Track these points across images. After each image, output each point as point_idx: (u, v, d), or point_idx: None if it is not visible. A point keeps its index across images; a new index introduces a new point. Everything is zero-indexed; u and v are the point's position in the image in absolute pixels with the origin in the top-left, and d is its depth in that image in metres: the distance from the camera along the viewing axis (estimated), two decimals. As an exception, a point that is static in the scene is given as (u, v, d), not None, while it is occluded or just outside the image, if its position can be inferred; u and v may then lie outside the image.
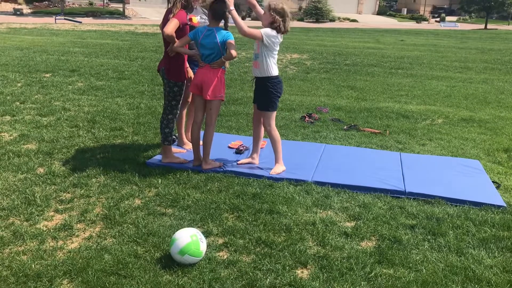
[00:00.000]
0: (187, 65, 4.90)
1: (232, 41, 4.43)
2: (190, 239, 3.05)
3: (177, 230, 3.24)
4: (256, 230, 3.55)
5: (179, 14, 4.45)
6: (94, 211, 3.78)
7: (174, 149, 5.28)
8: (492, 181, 4.65)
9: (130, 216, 3.72)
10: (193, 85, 4.63)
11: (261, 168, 4.76)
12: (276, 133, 4.71)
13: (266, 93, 4.58)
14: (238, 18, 4.40)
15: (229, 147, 5.37)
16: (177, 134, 5.70)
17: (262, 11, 4.61)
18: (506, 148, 5.91)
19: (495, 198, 4.25)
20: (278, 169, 4.70)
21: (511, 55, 18.01)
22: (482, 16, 51.61)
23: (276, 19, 4.43)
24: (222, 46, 4.42)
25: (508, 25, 51.63)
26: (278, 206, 3.96)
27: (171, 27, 4.36)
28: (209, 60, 4.49)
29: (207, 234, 3.46)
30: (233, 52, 4.40)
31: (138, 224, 3.57)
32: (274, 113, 4.72)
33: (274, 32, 4.46)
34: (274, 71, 4.58)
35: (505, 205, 4.13)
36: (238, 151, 5.20)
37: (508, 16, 57.13)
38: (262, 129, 4.86)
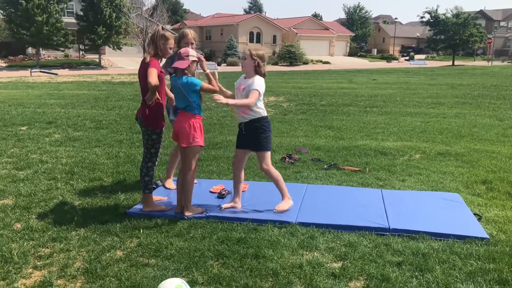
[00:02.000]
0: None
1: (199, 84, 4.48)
2: (175, 290, 2.97)
3: (161, 281, 3.16)
4: (242, 276, 3.47)
5: (154, 63, 4.51)
6: (75, 266, 3.66)
7: (155, 197, 5.22)
8: (474, 214, 4.70)
9: (112, 268, 3.61)
10: (174, 133, 4.68)
11: (245, 212, 4.72)
12: (275, 171, 4.77)
13: (261, 134, 4.62)
14: (239, 101, 4.51)
15: (211, 192, 5.33)
16: (158, 181, 5.67)
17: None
18: (483, 180, 6.01)
19: (478, 230, 4.28)
20: (286, 205, 4.71)
21: (480, 89, 18.65)
22: (449, 53, 53.69)
23: (259, 63, 4.53)
24: (189, 94, 4.45)
25: (474, 61, 53.74)
26: (263, 250, 3.90)
27: (155, 76, 4.40)
28: (183, 107, 4.57)
29: (192, 283, 3.37)
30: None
31: (121, 277, 3.46)
32: (269, 153, 4.75)
33: (262, 80, 4.57)
34: (264, 112, 4.65)
35: (488, 237, 4.16)
36: (221, 196, 5.16)
37: (473, 52, 59.54)
38: (243, 172, 4.86)
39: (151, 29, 33.90)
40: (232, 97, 4.81)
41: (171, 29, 48.35)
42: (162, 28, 4.71)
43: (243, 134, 4.76)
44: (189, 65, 4.49)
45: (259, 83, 4.57)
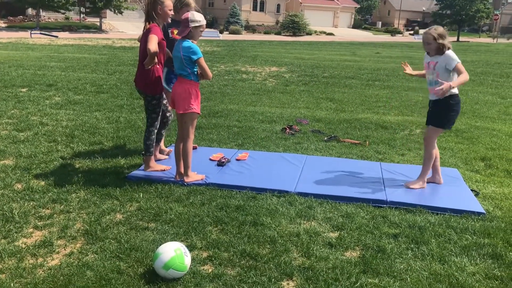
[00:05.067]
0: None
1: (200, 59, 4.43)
2: (174, 253, 3.01)
3: (160, 245, 3.20)
4: (240, 242, 3.52)
5: (155, 30, 4.47)
6: (75, 227, 3.71)
7: (159, 155, 5.27)
8: (471, 189, 4.73)
9: (112, 231, 3.65)
10: (171, 100, 4.66)
11: (244, 180, 4.73)
12: (434, 149, 4.73)
13: (446, 111, 4.57)
14: (459, 81, 4.37)
15: (211, 160, 5.34)
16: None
17: None
18: (482, 157, 6.03)
19: (475, 205, 4.32)
20: (417, 185, 4.72)
21: (483, 66, 18.51)
22: (454, 29, 53.06)
23: (444, 45, 4.47)
24: (186, 60, 4.41)
25: (479, 37, 53.12)
26: (262, 218, 3.94)
27: (154, 43, 4.36)
28: (179, 73, 4.54)
29: (191, 247, 3.42)
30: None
31: (120, 239, 3.51)
32: (442, 131, 4.75)
33: (453, 52, 4.51)
34: (456, 89, 4.54)
35: (484, 212, 4.20)
36: (220, 163, 5.17)
37: (479, 29, 58.80)
38: (435, 149, 4.81)
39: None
40: None
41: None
42: None
43: (430, 110, 4.73)
44: (190, 31, 4.40)
45: (454, 55, 4.45)
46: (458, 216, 4.14)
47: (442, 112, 4.60)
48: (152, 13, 4.59)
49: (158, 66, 4.70)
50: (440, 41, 4.44)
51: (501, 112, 9.18)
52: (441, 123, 4.64)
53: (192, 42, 4.46)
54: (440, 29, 4.53)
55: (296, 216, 4.05)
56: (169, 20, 4.83)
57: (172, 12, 4.78)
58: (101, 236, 3.56)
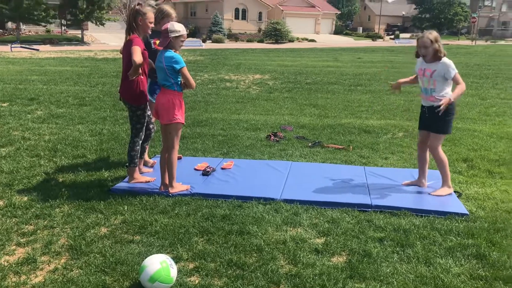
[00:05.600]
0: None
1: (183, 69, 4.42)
2: (160, 266, 2.99)
3: (146, 257, 3.17)
4: (227, 252, 3.51)
5: (137, 41, 4.48)
6: (59, 242, 3.66)
7: (143, 168, 5.25)
8: (454, 191, 4.79)
9: (97, 245, 3.61)
10: (154, 111, 4.65)
11: (230, 188, 4.73)
12: (443, 155, 4.73)
13: (444, 116, 4.59)
14: (457, 93, 4.49)
15: (196, 169, 5.33)
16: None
17: None
18: (465, 158, 6.11)
19: (458, 206, 4.37)
20: (444, 192, 4.67)
21: (463, 68, 18.80)
22: (434, 32, 53.78)
23: (439, 48, 4.54)
24: (169, 70, 4.40)
25: (458, 40, 53.97)
26: (248, 226, 3.94)
27: (139, 55, 4.36)
28: (162, 83, 4.51)
29: (177, 259, 3.40)
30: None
31: (105, 253, 3.47)
32: (444, 136, 4.80)
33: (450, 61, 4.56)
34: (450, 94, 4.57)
35: (468, 213, 4.25)
36: (205, 173, 5.16)
37: (458, 31, 59.79)
38: (427, 153, 4.87)
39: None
40: None
41: (155, 4, 47.48)
42: (138, 4, 4.66)
43: (426, 116, 4.74)
44: (171, 41, 4.40)
45: (451, 64, 4.49)
46: (442, 217, 4.18)
47: (441, 118, 4.61)
48: (133, 24, 4.61)
49: (142, 77, 4.70)
50: (436, 44, 4.48)
51: (482, 113, 9.32)
52: (442, 130, 4.67)
53: (174, 52, 4.46)
54: (434, 33, 4.59)
55: (282, 223, 4.05)
56: (150, 32, 4.84)
57: (152, 24, 4.79)
58: (85, 251, 3.52)
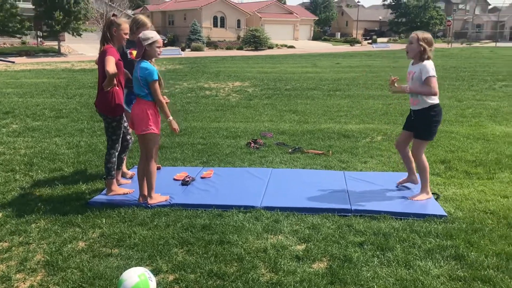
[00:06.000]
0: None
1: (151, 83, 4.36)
2: (138, 279, 2.94)
3: (124, 271, 3.12)
4: (207, 262, 3.48)
5: (111, 51, 4.45)
6: (35, 259, 3.58)
7: (121, 180, 5.19)
8: (432, 193, 4.83)
9: (74, 260, 3.54)
10: (130, 121, 4.60)
11: (210, 198, 4.70)
12: (425, 161, 4.70)
13: (428, 122, 4.59)
14: (421, 90, 4.45)
15: (175, 179, 5.28)
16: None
17: None
18: (442, 160, 6.19)
19: (437, 208, 4.42)
20: (422, 197, 4.66)
21: (440, 71, 19.06)
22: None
23: (425, 49, 4.49)
24: (142, 81, 4.35)
25: (435, 43, 54.83)
26: (228, 235, 3.91)
27: (112, 65, 4.33)
28: (137, 93, 4.47)
29: (156, 271, 3.35)
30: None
31: (83, 268, 3.41)
32: (427, 142, 4.78)
33: (432, 64, 4.53)
34: (436, 99, 4.56)
35: (446, 214, 4.30)
36: (184, 183, 5.12)
37: (434, 35, 60.82)
38: (408, 149, 4.89)
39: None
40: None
41: (132, 14, 47.23)
42: (113, 15, 4.65)
43: (412, 119, 4.74)
44: (146, 50, 4.36)
45: (430, 67, 4.46)
46: (421, 220, 4.21)
47: (425, 124, 4.62)
48: (107, 34, 4.58)
49: (117, 88, 4.65)
50: (423, 43, 4.47)
51: (458, 115, 9.47)
52: (425, 136, 4.67)
53: (150, 62, 4.41)
54: (427, 34, 4.59)
55: (263, 231, 4.03)
56: (124, 43, 4.81)
57: (127, 36, 4.77)
58: (62, 266, 3.45)
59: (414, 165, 4.94)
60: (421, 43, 4.48)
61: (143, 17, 5.29)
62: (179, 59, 28.69)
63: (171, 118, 4.45)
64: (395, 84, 4.69)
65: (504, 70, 19.55)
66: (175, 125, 4.50)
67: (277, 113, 9.85)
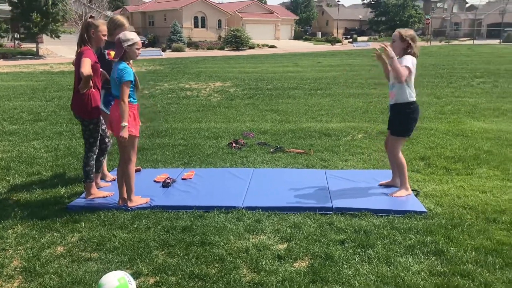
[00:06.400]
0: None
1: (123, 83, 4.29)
2: (118, 283, 2.90)
3: (103, 275, 3.07)
4: (188, 264, 3.45)
5: (88, 53, 4.39)
6: (12, 265, 3.50)
7: (101, 183, 5.12)
8: (412, 189, 4.88)
9: (53, 265, 3.48)
10: (108, 123, 4.54)
11: (191, 199, 4.66)
12: (402, 158, 4.73)
13: (401, 119, 4.64)
14: (397, 63, 4.40)
15: (155, 181, 5.23)
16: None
17: None
18: (422, 157, 6.25)
19: (417, 205, 4.46)
20: (402, 193, 4.68)
21: (419, 69, 19.20)
22: (390, 34, 55.25)
23: (410, 45, 4.51)
24: (119, 82, 4.30)
25: (414, 41, 55.36)
26: (210, 236, 3.88)
27: (87, 67, 4.26)
28: (115, 95, 4.40)
29: (137, 275, 3.31)
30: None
31: (62, 273, 3.35)
32: (404, 139, 4.80)
33: (413, 58, 4.53)
34: (411, 96, 4.58)
35: (426, 210, 4.34)
36: (165, 184, 5.07)
37: (413, 33, 61.45)
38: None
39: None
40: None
41: (111, 15, 46.71)
42: (91, 17, 4.59)
43: (389, 117, 4.78)
44: (125, 51, 4.31)
45: (409, 60, 4.44)
46: (401, 216, 4.25)
47: (401, 121, 4.65)
48: (84, 36, 4.51)
49: (94, 90, 4.60)
50: (408, 39, 4.47)
51: (437, 112, 9.58)
52: (401, 132, 4.70)
53: (127, 64, 4.36)
54: (410, 31, 4.60)
55: (244, 231, 4.02)
56: (103, 44, 4.76)
57: (105, 38, 4.72)
58: (40, 272, 3.38)
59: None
60: (406, 38, 4.49)
61: (120, 18, 5.23)
62: (160, 60, 28.50)
63: (126, 123, 4.29)
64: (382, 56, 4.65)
65: (482, 67, 19.87)
66: (125, 134, 4.29)
67: (258, 113, 9.84)
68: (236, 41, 44.69)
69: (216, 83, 15.36)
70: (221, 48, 44.84)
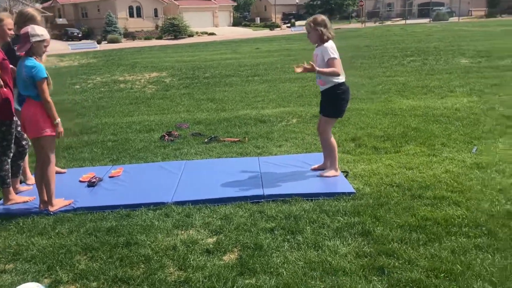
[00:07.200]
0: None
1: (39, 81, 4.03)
2: (29, 296, 2.71)
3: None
4: (111, 267, 3.29)
5: None
6: None
7: (21, 187, 4.81)
8: (342, 171, 4.92)
9: (-38, 282, 3.22)
10: (22, 124, 4.24)
11: (118, 198, 4.47)
12: (332, 139, 4.81)
13: (331, 100, 4.70)
14: (326, 70, 4.52)
15: (80, 181, 4.98)
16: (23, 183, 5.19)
17: None
18: (353, 137, 6.34)
19: (345, 186, 4.50)
20: (331, 173, 4.74)
21: (353, 51, 19.68)
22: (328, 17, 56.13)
23: (322, 31, 4.53)
24: (29, 80, 4.03)
25: (349, 24, 56.68)
26: (136, 236, 3.73)
27: None
28: (24, 94, 4.14)
29: (55, 283, 3.12)
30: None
31: (-28, 290, 3.11)
32: (334, 120, 4.86)
33: (332, 44, 4.60)
34: (339, 79, 4.64)
35: (354, 191, 4.38)
36: (91, 184, 4.84)
37: (349, 16, 62.84)
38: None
39: (17, 9, 30.78)
40: None
41: (41, 8, 44.43)
42: None
43: (321, 100, 4.79)
44: (32, 46, 4.03)
45: (330, 49, 4.50)
46: (331, 199, 4.27)
47: (331, 102, 4.70)
48: None
49: (5, 89, 4.28)
50: (319, 28, 4.50)
51: (369, 92, 9.78)
52: (332, 113, 4.75)
53: (36, 60, 4.08)
54: (319, 17, 4.61)
55: (173, 227, 3.89)
56: (9, 39, 4.44)
57: (12, 32, 4.40)
58: None
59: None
60: (317, 27, 4.53)
61: (31, 10, 4.89)
62: (94, 52, 27.45)
63: (58, 120, 4.11)
64: (305, 65, 4.65)
65: (413, 46, 20.54)
66: (61, 129, 4.16)
67: (194, 103, 9.66)
68: (174, 29, 43.86)
69: (151, 74, 14.97)
70: (159, 38, 43.88)
